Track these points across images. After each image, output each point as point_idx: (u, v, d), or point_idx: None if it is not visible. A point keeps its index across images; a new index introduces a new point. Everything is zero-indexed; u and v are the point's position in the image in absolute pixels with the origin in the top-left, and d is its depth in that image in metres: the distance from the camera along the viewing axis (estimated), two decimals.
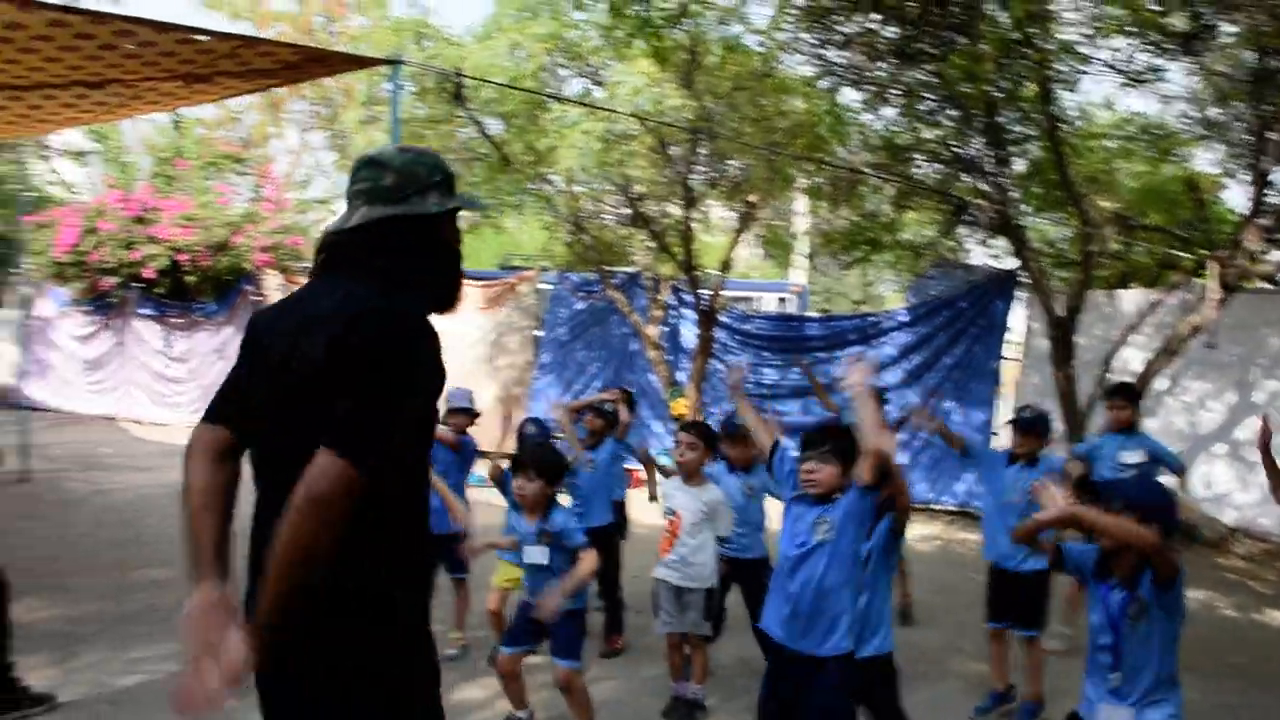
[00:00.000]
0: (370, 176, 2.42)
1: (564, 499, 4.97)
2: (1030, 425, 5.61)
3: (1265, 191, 9.38)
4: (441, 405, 5.31)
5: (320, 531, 2.15)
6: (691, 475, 5.18)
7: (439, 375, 2.37)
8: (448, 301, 2.57)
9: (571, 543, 4.55)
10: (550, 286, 14.02)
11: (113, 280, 15.58)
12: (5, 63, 5.64)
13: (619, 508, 6.57)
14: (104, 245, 14.96)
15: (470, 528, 5.94)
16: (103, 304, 16.56)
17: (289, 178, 17.24)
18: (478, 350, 13.92)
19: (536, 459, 4.60)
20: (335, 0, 17.70)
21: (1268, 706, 5.79)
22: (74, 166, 21.37)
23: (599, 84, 9.90)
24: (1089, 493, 4.61)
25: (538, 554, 4.55)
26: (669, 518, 5.16)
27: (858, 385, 3.78)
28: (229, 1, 18.05)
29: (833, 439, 3.82)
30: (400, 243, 2.41)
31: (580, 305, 13.71)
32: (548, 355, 13.75)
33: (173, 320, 16.06)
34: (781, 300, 19.54)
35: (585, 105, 9.26)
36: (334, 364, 2.22)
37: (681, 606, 5.13)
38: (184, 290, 15.52)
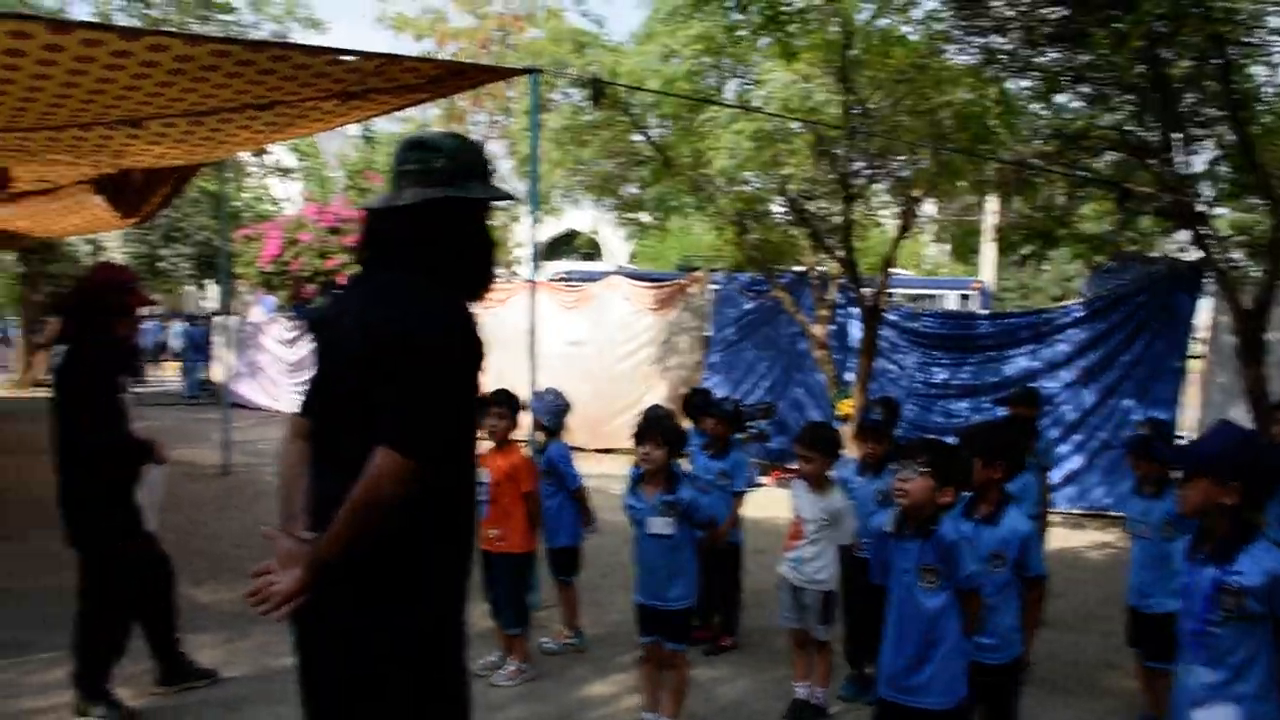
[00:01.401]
0: (420, 159, 2.53)
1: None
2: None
3: None
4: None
5: (375, 520, 2.36)
6: (815, 483, 5.14)
7: (479, 360, 2.52)
8: (483, 288, 2.68)
9: (700, 516, 4.65)
10: (719, 287, 14.12)
11: (313, 288, 16.59)
12: (182, 92, 6.16)
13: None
14: (303, 255, 15.96)
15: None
16: (304, 310, 17.64)
17: None
18: (647, 351, 14.16)
19: (660, 427, 4.65)
20: (511, 15, 18.29)
21: None
22: (280, 183, 22.86)
23: (754, 83, 9.92)
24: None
25: (661, 524, 4.59)
26: (794, 519, 5.17)
27: None
28: (412, 23, 18.89)
29: (932, 452, 3.64)
30: (444, 226, 2.53)
31: (748, 305, 13.76)
32: (716, 355, 13.86)
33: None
34: (964, 298, 19.12)
35: (724, 105, 9.32)
36: (376, 351, 2.40)
37: (799, 606, 5.13)
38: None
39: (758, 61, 9.90)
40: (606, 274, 15.93)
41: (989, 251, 25.69)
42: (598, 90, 6.99)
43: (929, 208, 15.02)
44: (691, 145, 10.38)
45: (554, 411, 6.16)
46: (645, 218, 15.80)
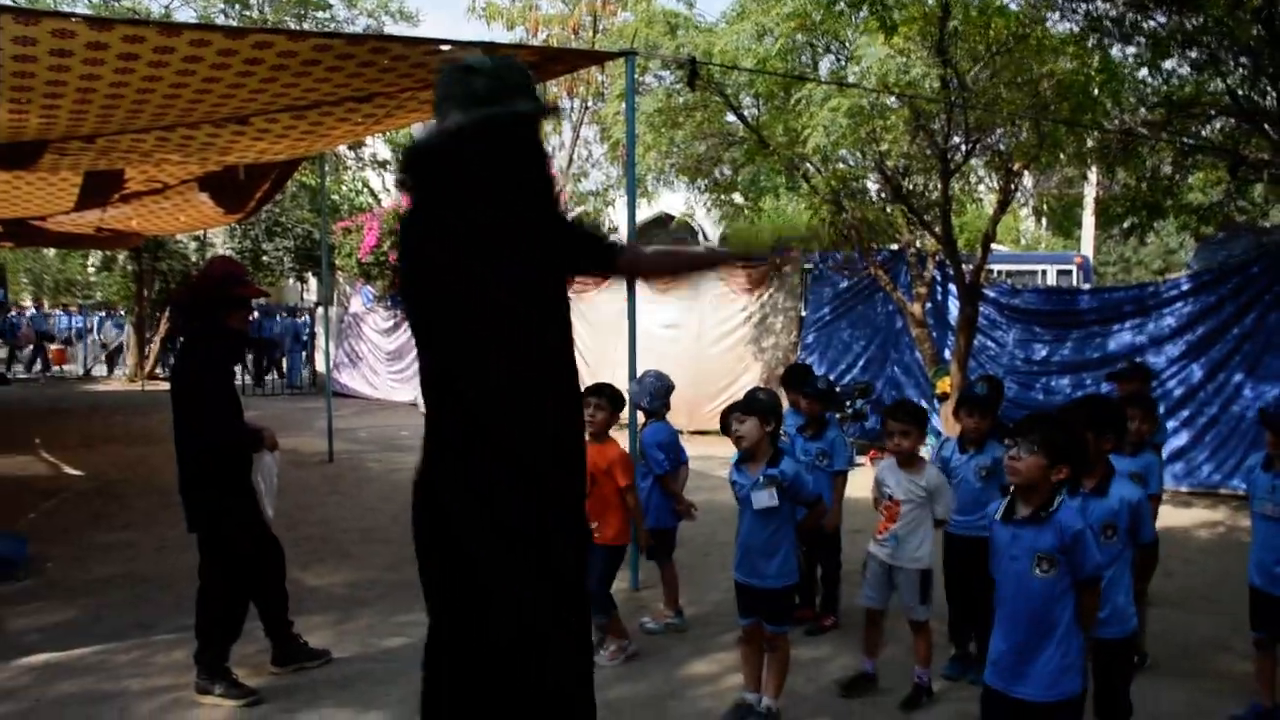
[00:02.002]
0: (462, 80, 2.51)
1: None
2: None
3: None
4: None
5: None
6: (906, 460, 5.03)
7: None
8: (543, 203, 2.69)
9: (805, 493, 4.62)
10: (813, 266, 14.01)
11: None
12: (284, 87, 6.32)
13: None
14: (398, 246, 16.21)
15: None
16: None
17: (565, 171, 18.03)
18: (743, 332, 14.12)
19: (751, 401, 4.66)
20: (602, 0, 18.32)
21: None
22: (377, 175, 23.26)
23: (850, 59, 9.80)
24: None
25: (765, 497, 4.53)
26: (885, 503, 5.11)
27: None
28: (503, 12, 19.04)
29: (1043, 429, 3.53)
30: (494, 147, 2.49)
31: (844, 284, 13.64)
32: (811, 336, 13.76)
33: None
34: (1063, 273, 18.66)
35: (820, 82, 9.23)
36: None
37: (889, 585, 5.07)
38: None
39: (853, 37, 9.77)
40: None
41: (1089, 225, 25.06)
42: (693, 71, 6.96)
43: (1027, 182, 14.68)
44: (786, 124, 10.29)
45: (653, 393, 6.18)
46: (739, 199, 15.76)
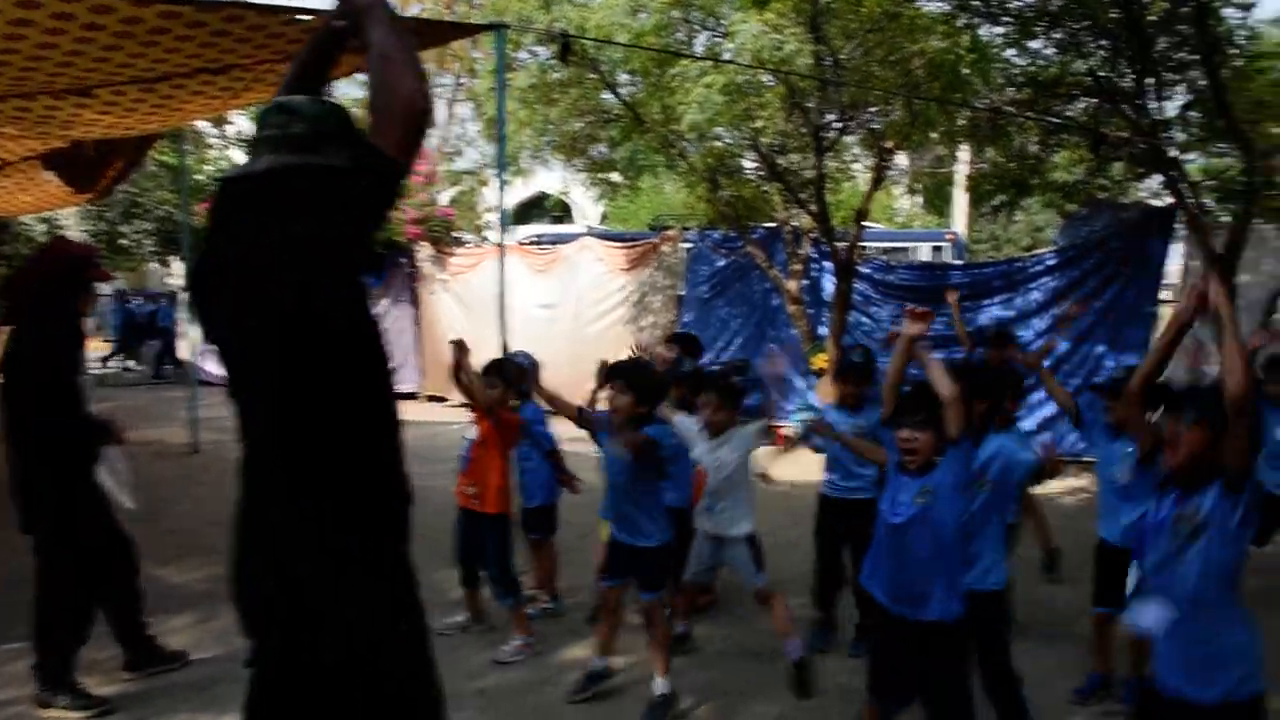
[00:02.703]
0: (280, 123, 2.31)
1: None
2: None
3: None
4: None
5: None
6: (714, 429, 4.99)
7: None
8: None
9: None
10: (692, 245, 13.97)
11: None
12: (130, 57, 5.92)
13: None
14: None
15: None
16: None
17: (439, 150, 17.66)
18: (620, 312, 14.02)
19: (626, 372, 4.72)
20: None
21: None
22: (244, 153, 22.38)
23: (725, 35, 9.73)
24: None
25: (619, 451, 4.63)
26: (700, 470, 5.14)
27: (904, 339, 3.68)
28: None
29: (929, 405, 3.63)
30: (305, 195, 2.28)
31: (721, 262, 13.63)
32: (690, 314, 13.73)
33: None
34: (936, 249, 19.04)
35: (694, 58, 9.15)
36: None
37: (715, 557, 5.04)
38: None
39: (727, 13, 9.71)
40: (578, 236, 15.75)
41: (961, 203, 25.61)
42: (565, 45, 6.80)
43: (902, 160, 14.89)
44: (661, 101, 10.20)
45: (523, 375, 6.07)
46: (616, 177, 15.64)
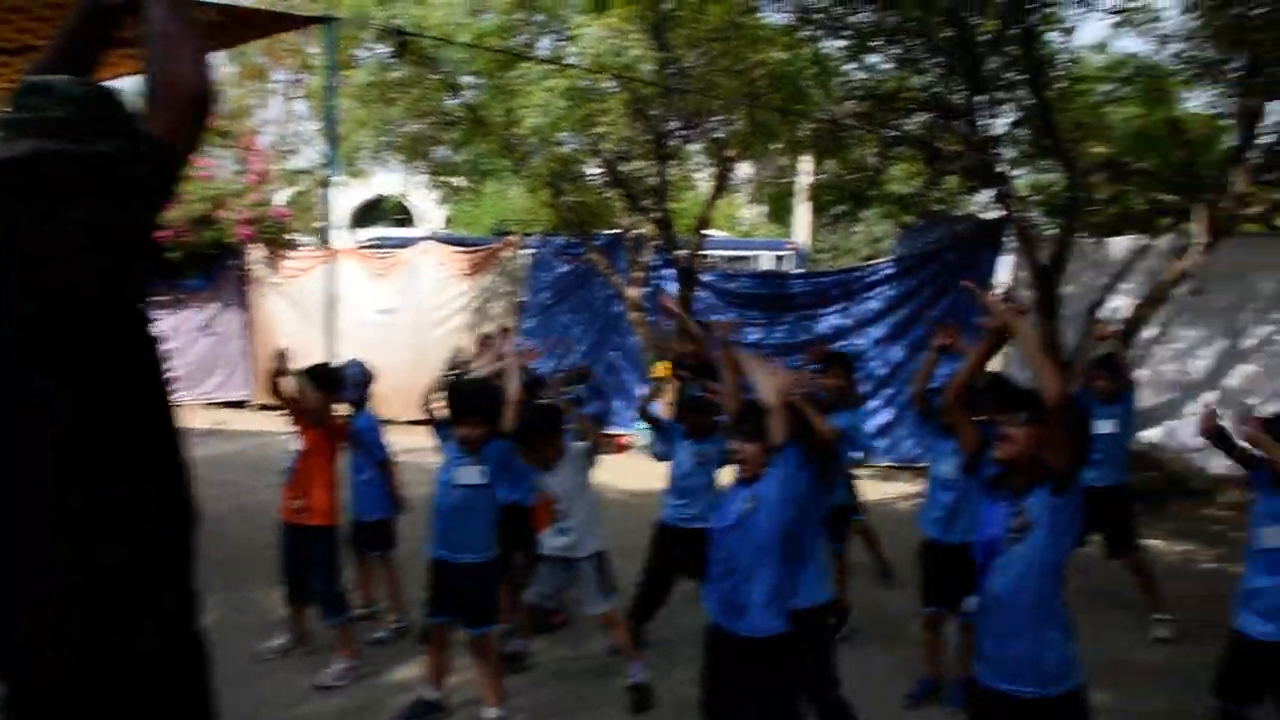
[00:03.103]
0: (37, 105, 2.08)
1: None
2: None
3: (1253, 131, 9.09)
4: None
5: None
6: (548, 462, 4.99)
7: None
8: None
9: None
10: (533, 251, 13.81)
11: None
12: None
13: None
14: None
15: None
16: None
17: (274, 149, 17.01)
18: (461, 318, 13.76)
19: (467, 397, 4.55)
20: None
21: None
22: None
23: (567, 39, 9.61)
24: None
25: (471, 474, 4.50)
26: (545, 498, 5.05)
27: (725, 340, 3.63)
28: None
29: (758, 415, 3.59)
30: (77, 181, 2.08)
31: (563, 269, 13.50)
32: (531, 320, 13.56)
33: (158, 297, 15.83)
34: (779, 258, 19.29)
35: (535, 60, 9.02)
36: None
37: (563, 578, 5.01)
38: (168, 267, 15.31)
39: (571, 16, 9.60)
40: (419, 240, 15.39)
41: (804, 213, 26.05)
42: (401, 43, 6.57)
43: (747, 169, 15.03)
44: (504, 104, 10.01)
45: (356, 383, 5.84)
46: (459, 181, 15.30)
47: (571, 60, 9.10)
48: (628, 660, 4.89)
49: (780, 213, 29.08)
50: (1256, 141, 9.46)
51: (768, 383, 3.51)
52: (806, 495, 3.71)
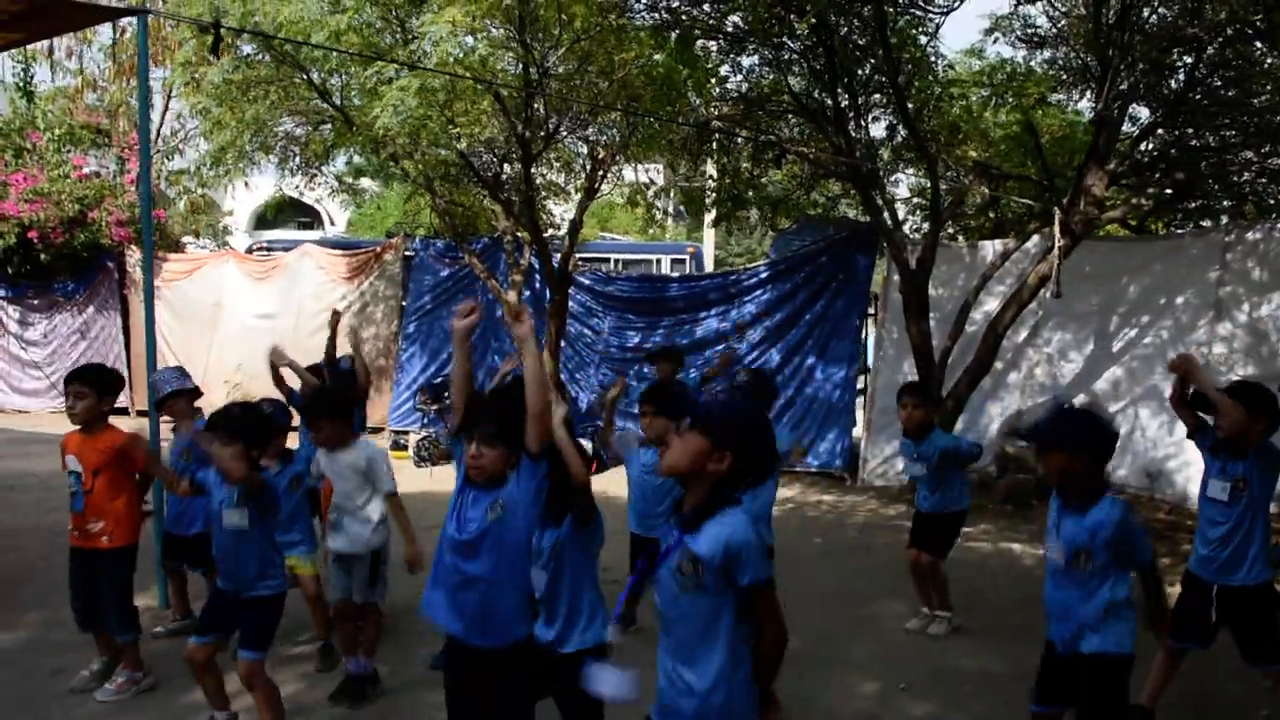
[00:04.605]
0: None
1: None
2: None
3: (1110, 136, 9.15)
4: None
5: None
6: (340, 441, 4.88)
7: None
8: None
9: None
10: (414, 254, 13.56)
11: None
12: None
13: None
14: None
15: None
16: None
17: (154, 149, 16.44)
18: (343, 322, 13.42)
19: (230, 419, 4.22)
20: None
21: None
22: None
23: (418, 37, 9.33)
24: None
25: (236, 517, 4.19)
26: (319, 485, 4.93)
27: (460, 331, 3.41)
28: None
29: (501, 418, 3.37)
30: None
31: (445, 272, 13.28)
32: (412, 325, 13.32)
33: (30, 301, 15.27)
34: (678, 262, 19.17)
35: (385, 60, 8.76)
36: None
37: (346, 574, 4.88)
38: (40, 269, 14.76)
39: (431, 15, 9.35)
40: (301, 243, 15.06)
41: (711, 217, 26.00)
42: (216, 36, 6.28)
43: (658, 176, 14.83)
44: (368, 105, 9.74)
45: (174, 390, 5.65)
46: (356, 184, 14.98)
47: (430, 61, 8.84)
48: (348, 657, 4.90)
49: (689, 216, 29.08)
50: (1116, 147, 9.57)
51: (539, 393, 3.30)
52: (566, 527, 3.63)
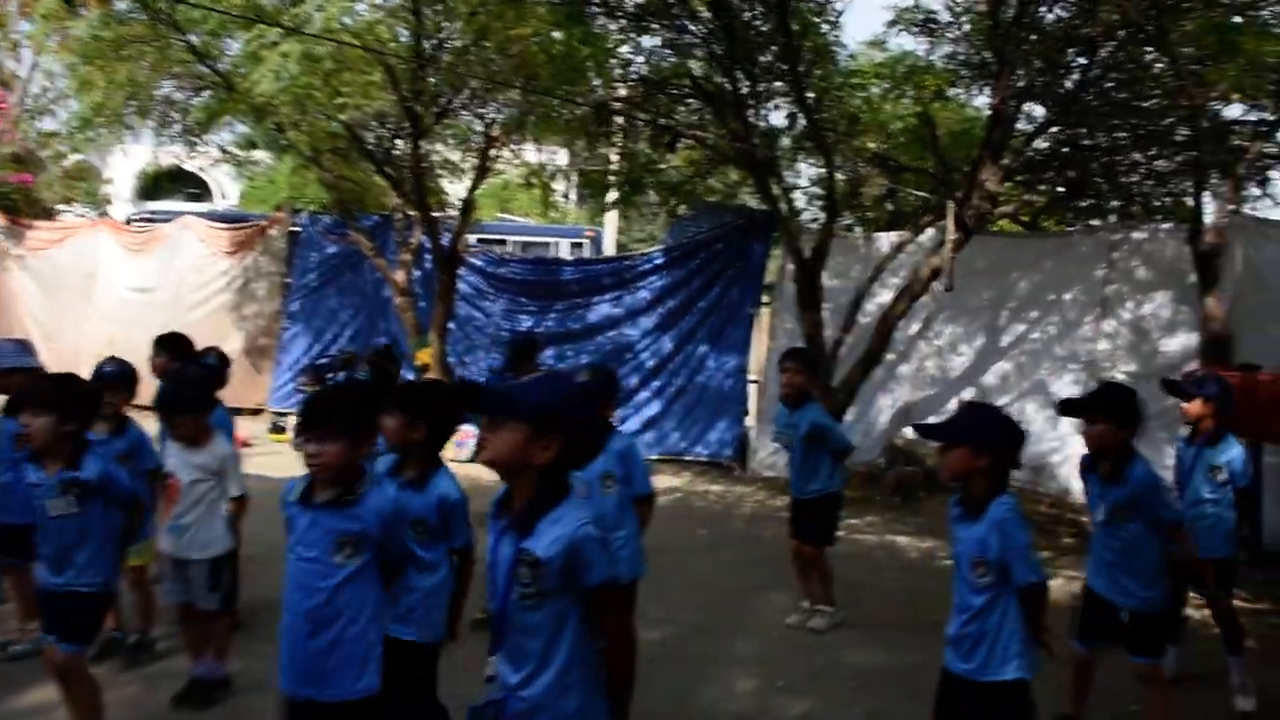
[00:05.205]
0: None
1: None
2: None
3: (1005, 131, 9.17)
4: None
5: None
6: (190, 438, 4.53)
7: None
8: None
9: (118, 491, 3.92)
10: (301, 229, 13.08)
11: None
12: None
13: None
14: None
15: None
16: None
17: (18, 108, 15.52)
18: (223, 298, 12.95)
19: (41, 390, 3.84)
20: None
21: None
22: None
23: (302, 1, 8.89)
24: None
25: (62, 505, 3.81)
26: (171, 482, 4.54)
27: None
28: None
29: (340, 409, 3.15)
30: None
31: (332, 249, 12.83)
32: (297, 303, 12.84)
33: None
34: (576, 245, 18.92)
35: (265, 22, 8.34)
36: None
37: (183, 579, 4.53)
38: None
39: None
40: (181, 214, 14.40)
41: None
42: None
43: (562, 158, 14.48)
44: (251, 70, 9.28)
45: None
46: (246, 155, 14.33)
47: (316, 26, 8.44)
48: (196, 658, 4.63)
49: (590, 199, 28.78)
50: (1011, 143, 9.61)
51: None
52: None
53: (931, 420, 3.82)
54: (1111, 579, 4.28)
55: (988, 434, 3.34)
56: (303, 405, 3.18)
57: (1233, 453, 5.02)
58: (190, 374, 5.02)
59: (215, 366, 5.68)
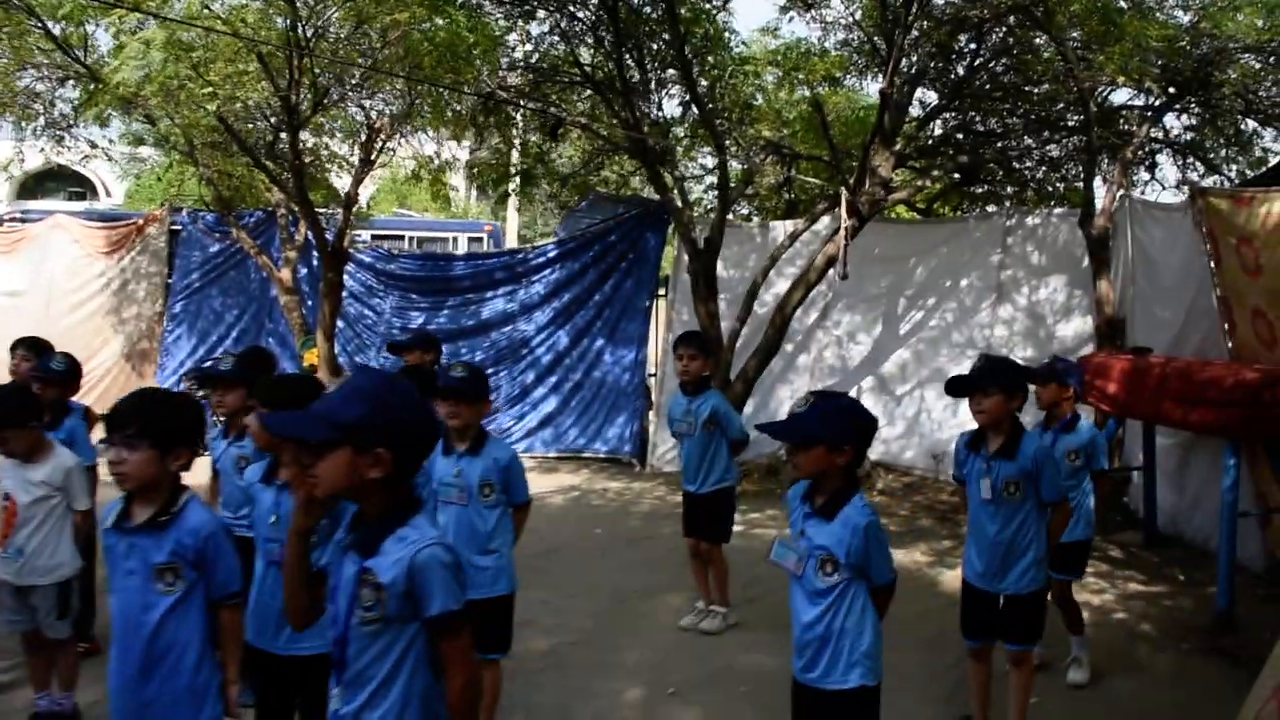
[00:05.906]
0: None
1: None
2: None
3: (896, 116, 9.11)
4: None
5: None
6: (26, 452, 4.19)
7: None
8: None
9: None
10: (182, 228, 12.54)
11: None
12: None
13: None
14: None
15: None
16: None
17: None
18: (100, 300, 12.37)
19: None
20: None
21: None
22: None
23: None
24: None
25: None
26: (4, 504, 4.17)
27: None
28: None
29: (148, 412, 2.86)
30: None
31: (215, 247, 12.32)
32: (179, 304, 12.31)
33: None
34: (474, 240, 18.57)
35: (113, 5, 7.88)
36: None
37: (28, 606, 4.19)
38: None
39: None
40: (52, 214, 13.72)
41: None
42: None
43: (462, 153, 14.05)
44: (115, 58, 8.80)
45: None
46: (147, 151, 13.65)
47: (179, 11, 8.01)
48: (40, 692, 4.29)
49: (491, 193, 28.39)
50: (904, 129, 9.55)
51: None
52: None
53: (779, 420, 3.54)
54: (988, 564, 4.17)
55: (843, 429, 3.07)
56: (111, 413, 2.86)
57: (1088, 436, 5.02)
58: (9, 386, 4.62)
59: (62, 372, 5.27)
